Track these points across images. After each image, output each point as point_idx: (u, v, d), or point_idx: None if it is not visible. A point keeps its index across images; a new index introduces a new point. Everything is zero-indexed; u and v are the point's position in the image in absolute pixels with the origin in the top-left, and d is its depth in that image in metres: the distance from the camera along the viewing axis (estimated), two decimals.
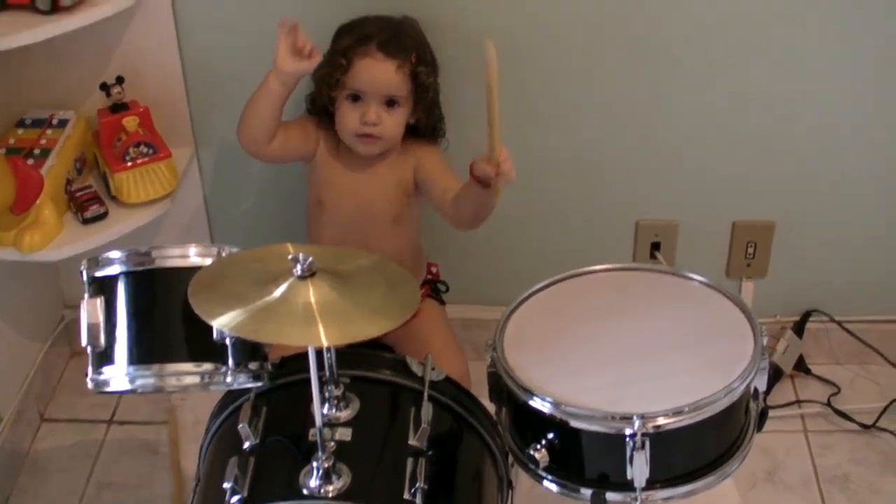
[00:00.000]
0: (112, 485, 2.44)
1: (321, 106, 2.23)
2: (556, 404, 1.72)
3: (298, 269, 1.57)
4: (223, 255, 1.73)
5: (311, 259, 1.58)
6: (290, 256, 1.59)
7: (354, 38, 2.17)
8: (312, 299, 1.55)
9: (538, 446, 1.75)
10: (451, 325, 2.41)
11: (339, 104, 2.19)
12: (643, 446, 1.67)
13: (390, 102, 2.17)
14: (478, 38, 2.16)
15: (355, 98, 2.17)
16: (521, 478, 1.90)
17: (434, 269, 2.45)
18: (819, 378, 2.63)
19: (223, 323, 1.55)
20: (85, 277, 1.74)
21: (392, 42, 2.16)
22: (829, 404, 2.56)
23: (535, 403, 1.74)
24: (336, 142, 2.25)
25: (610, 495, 1.74)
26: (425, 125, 2.26)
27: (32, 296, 2.62)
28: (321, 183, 2.27)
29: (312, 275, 1.57)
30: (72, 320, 2.69)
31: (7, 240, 2.22)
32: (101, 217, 2.30)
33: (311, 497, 1.61)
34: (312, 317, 1.53)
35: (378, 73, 2.15)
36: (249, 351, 1.71)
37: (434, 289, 2.43)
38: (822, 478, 2.40)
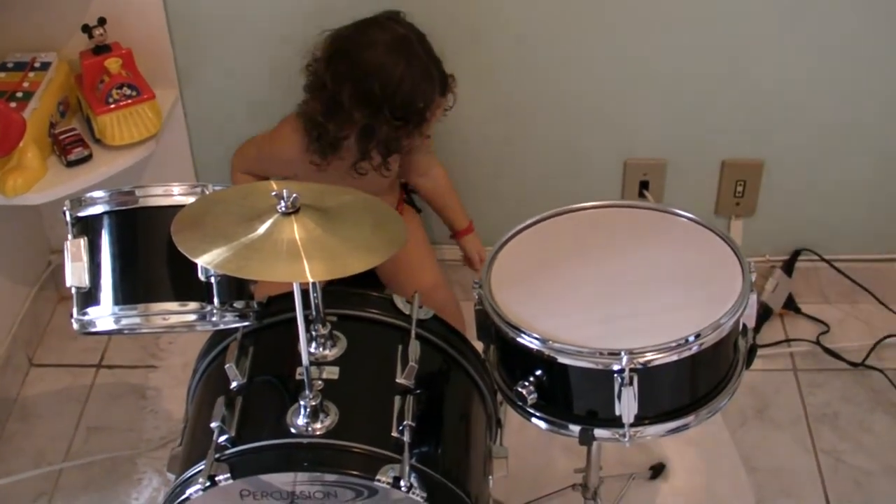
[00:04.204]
0: (101, 429, 2.44)
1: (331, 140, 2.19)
2: (543, 341, 1.71)
3: (282, 206, 1.56)
4: (207, 193, 1.71)
5: (294, 195, 1.56)
6: (273, 193, 1.57)
7: (431, 85, 2.14)
8: (297, 235, 1.53)
9: (526, 383, 1.74)
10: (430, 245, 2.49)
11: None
12: (631, 382, 1.67)
13: None
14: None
15: None
16: (510, 416, 1.90)
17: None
18: (808, 317, 2.63)
19: (207, 261, 1.53)
20: (68, 217, 1.72)
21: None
22: (818, 343, 2.56)
23: (523, 340, 1.73)
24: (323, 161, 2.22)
25: (598, 431, 1.74)
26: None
27: (18, 241, 2.61)
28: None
29: (296, 211, 1.56)
30: (58, 265, 2.68)
31: None
32: (84, 160, 2.28)
33: (298, 435, 1.61)
34: (297, 253, 1.51)
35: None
36: (235, 289, 1.71)
37: (409, 196, 2.47)
38: (811, 416, 2.41)
